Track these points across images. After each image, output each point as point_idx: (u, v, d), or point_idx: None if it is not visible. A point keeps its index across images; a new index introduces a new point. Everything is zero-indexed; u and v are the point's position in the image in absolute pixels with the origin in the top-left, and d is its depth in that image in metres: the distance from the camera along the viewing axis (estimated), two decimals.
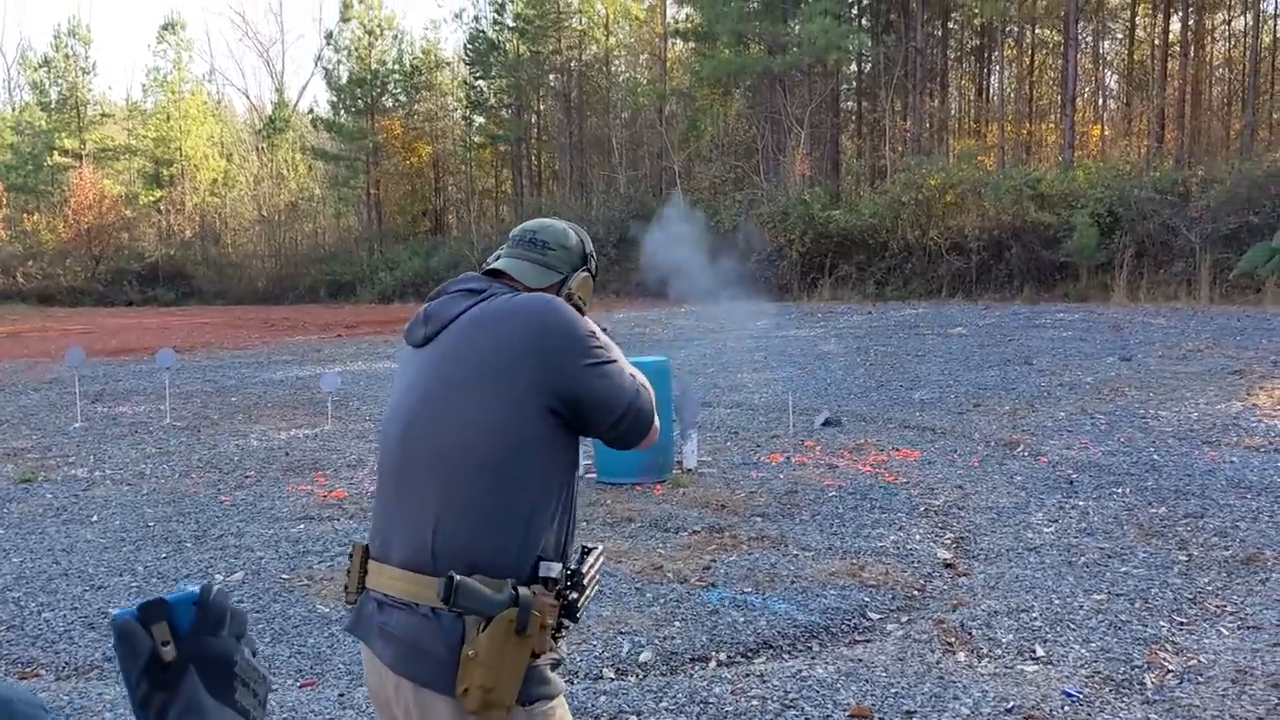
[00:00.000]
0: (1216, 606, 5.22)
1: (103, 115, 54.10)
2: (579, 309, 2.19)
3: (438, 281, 25.35)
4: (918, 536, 6.63)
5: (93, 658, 4.77)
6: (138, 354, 19.77)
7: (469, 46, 47.29)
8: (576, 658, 4.67)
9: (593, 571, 2.05)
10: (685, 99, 41.05)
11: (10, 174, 52.48)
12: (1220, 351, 14.28)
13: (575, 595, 1.97)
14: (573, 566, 2.02)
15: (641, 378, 2.16)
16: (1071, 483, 7.83)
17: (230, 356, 18.44)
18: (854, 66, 39.56)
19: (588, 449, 8.85)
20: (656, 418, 2.17)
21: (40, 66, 54.55)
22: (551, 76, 45.96)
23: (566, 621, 1.96)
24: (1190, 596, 5.40)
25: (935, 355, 15.30)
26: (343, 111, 49.88)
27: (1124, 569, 5.86)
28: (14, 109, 57.22)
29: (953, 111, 40.12)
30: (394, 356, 16.20)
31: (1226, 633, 4.87)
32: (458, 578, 1.82)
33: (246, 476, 8.74)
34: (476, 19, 47.32)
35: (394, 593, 1.95)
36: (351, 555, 2.10)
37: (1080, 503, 7.28)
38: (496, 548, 1.91)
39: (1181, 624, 5.00)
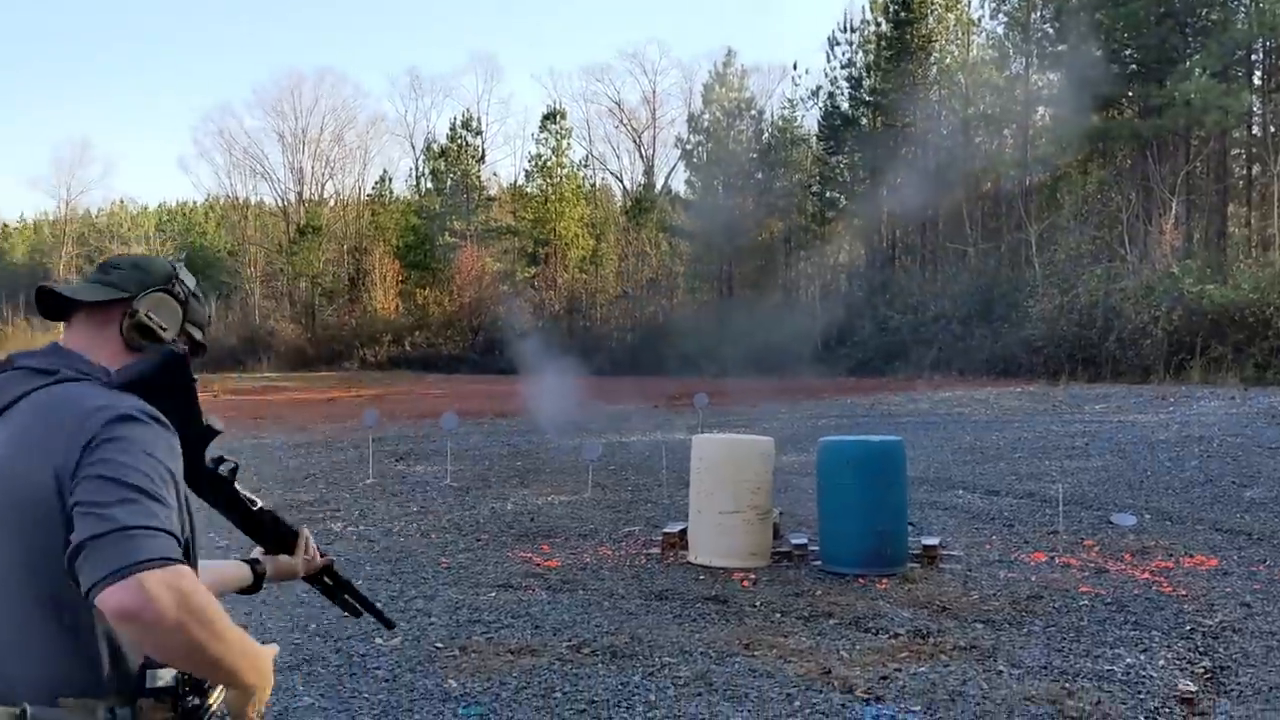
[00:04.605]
0: None
1: (488, 199, 59.02)
2: (154, 333, 1.78)
3: (778, 355, 25.13)
4: (1161, 662, 5.51)
5: None
6: (475, 417, 20.99)
7: (823, 123, 47.44)
8: None
9: None
10: (1047, 167, 38.92)
11: (409, 254, 58.35)
12: None
13: (198, 701, 1.62)
14: None
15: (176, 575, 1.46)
16: None
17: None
18: (1247, 129, 35.91)
19: (811, 530, 8.22)
20: (156, 597, 1.43)
21: (439, 156, 60.46)
22: (905, 150, 45.07)
23: None
24: None
25: None
26: (701, 190, 51.48)
27: None
28: (419, 195, 63.68)
29: None
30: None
31: None
32: (30, 710, 1.51)
33: (479, 539, 8.80)
34: (832, 95, 47.36)
35: None
36: None
37: None
38: (82, 665, 1.57)
39: None
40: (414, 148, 65.60)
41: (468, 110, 63.39)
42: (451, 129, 61.14)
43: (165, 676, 1.61)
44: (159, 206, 78.68)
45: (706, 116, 52.86)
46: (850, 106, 47.07)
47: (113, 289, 1.80)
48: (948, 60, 44.80)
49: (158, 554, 1.44)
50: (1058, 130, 37.82)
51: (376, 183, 65.58)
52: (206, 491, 1.85)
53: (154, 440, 1.58)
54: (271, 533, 2.05)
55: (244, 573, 2.04)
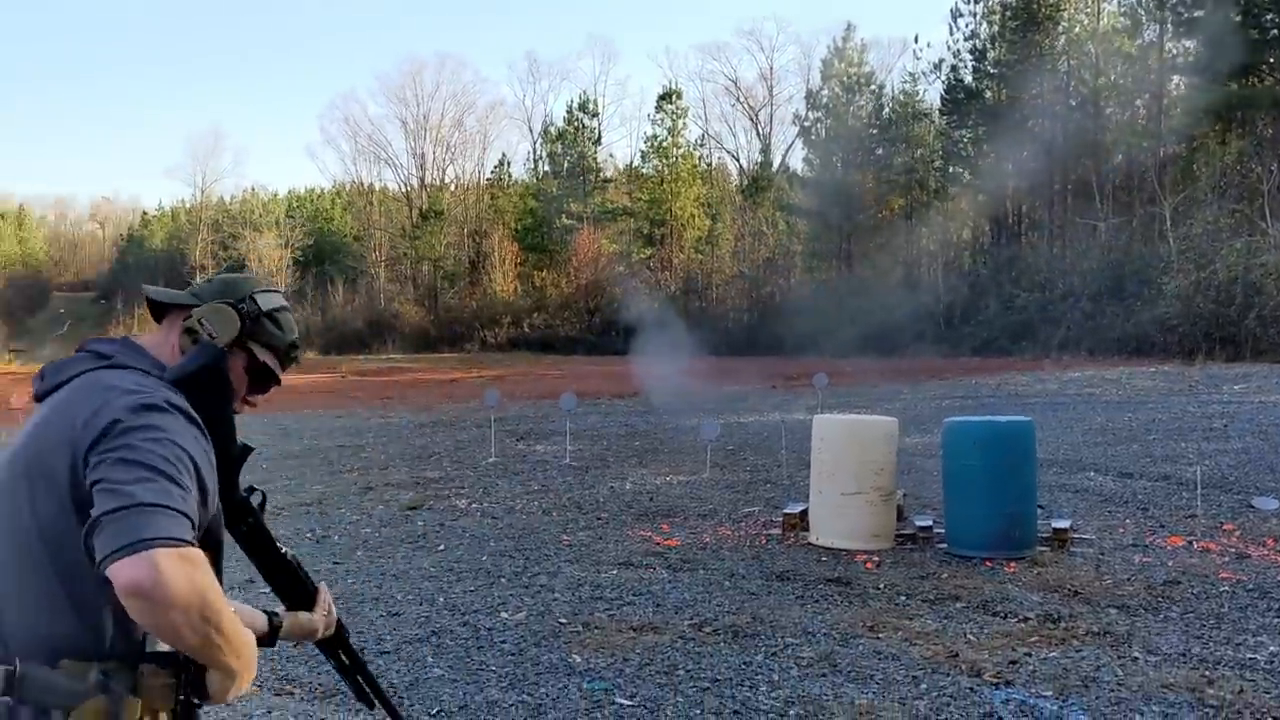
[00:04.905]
0: None
1: (604, 181, 59.40)
2: (197, 335, 1.81)
3: (899, 334, 24.89)
4: None
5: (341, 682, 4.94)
6: (592, 398, 21.19)
7: (946, 96, 46.42)
8: None
9: None
10: (1181, 138, 37.42)
11: (527, 236, 59.14)
12: None
13: (199, 668, 1.62)
14: None
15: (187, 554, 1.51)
16: None
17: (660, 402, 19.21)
18: None
19: (936, 512, 8.10)
20: (168, 577, 1.46)
21: (556, 139, 61.04)
22: (1031, 122, 43.80)
23: (198, 701, 1.64)
24: None
25: None
26: (819, 168, 50.89)
27: None
28: (537, 178, 64.44)
29: None
30: None
31: None
32: (20, 668, 1.55)
33: (599, 518, 8.89)
34: (954, 69, 46.25)
35: None
36: None
37: None
38: (82, 627, 1.61)
39: None
40: (531, 131, 66.40)
41: (584, 92, 63.87)
42: (568, 112, 61.74)
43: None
44: (288, 193, 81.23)
45: (825, 92, 52.21)
46: (974, 79, 45.96)
47: (192, 296, 1.89)
48: (1076, 30, 43.35)
49: (173, 533, 1.47)
50: (1193, 100, 36.34)
51: (495, 167, 66.66)
52: (236, 521, 1.83)
53: (179, 429, 1.61)
54: (293, 581, 1.96)
55: (260, 622, 1.90)
